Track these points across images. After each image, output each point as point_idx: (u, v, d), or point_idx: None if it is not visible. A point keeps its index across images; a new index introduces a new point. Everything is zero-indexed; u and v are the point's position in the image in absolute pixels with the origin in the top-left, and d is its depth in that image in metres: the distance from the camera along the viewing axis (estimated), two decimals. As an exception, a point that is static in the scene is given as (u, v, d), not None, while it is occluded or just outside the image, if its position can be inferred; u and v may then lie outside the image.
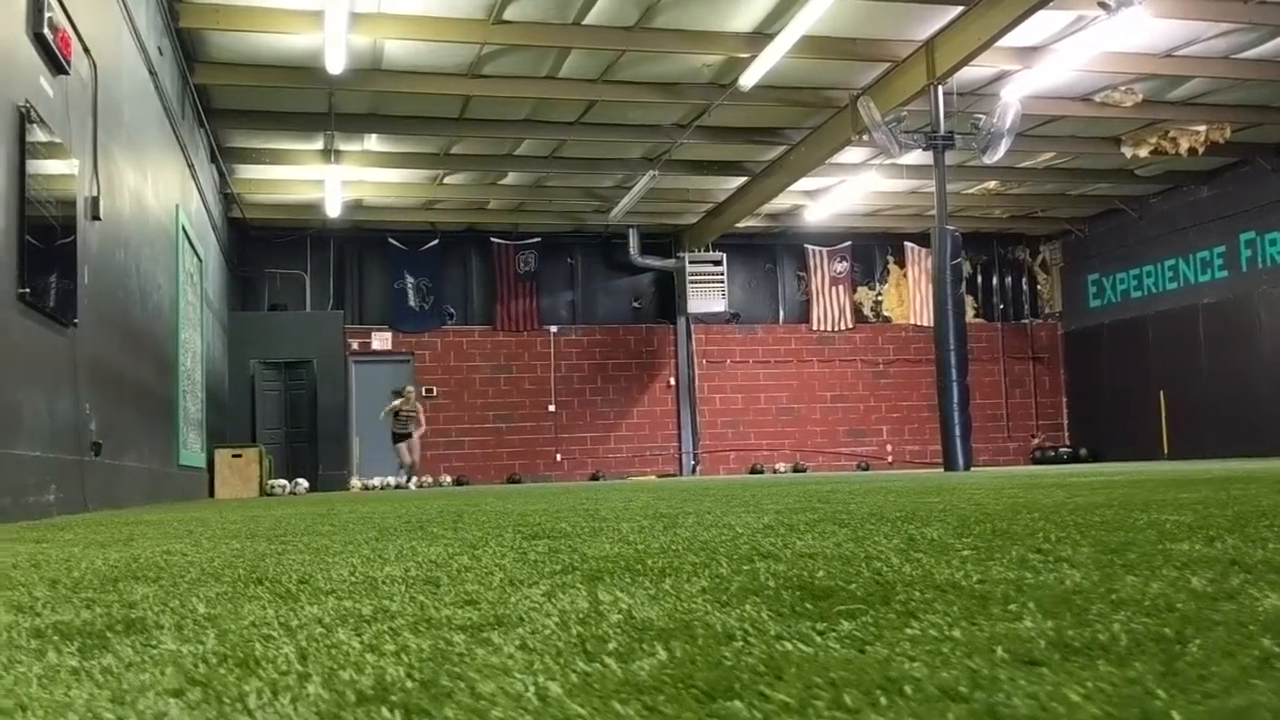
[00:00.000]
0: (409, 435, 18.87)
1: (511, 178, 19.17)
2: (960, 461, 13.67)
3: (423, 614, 1.39)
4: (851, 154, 17.63)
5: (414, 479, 18.85)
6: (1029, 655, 0.95)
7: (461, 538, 3.10)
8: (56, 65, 6.76)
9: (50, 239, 6.63)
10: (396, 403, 18.90)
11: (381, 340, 21.52)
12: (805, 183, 18.76)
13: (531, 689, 0.88)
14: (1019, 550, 1.97)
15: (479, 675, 0.95)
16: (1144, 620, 1.13)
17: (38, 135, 6.28)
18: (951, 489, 6.04)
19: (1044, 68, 14.22)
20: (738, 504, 4.79)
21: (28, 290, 6.04)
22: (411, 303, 21.67)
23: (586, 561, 2.08)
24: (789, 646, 1.04)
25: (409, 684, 0.92)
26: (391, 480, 19.95)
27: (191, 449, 13.04)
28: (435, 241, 21.77)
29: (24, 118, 6.02)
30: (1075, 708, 0.77)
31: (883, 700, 0.80)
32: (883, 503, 4.40)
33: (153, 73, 10.51)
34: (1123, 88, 15.46)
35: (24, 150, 6.01)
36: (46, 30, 6.42)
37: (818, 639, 1.07)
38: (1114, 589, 1.39)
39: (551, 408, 22.12)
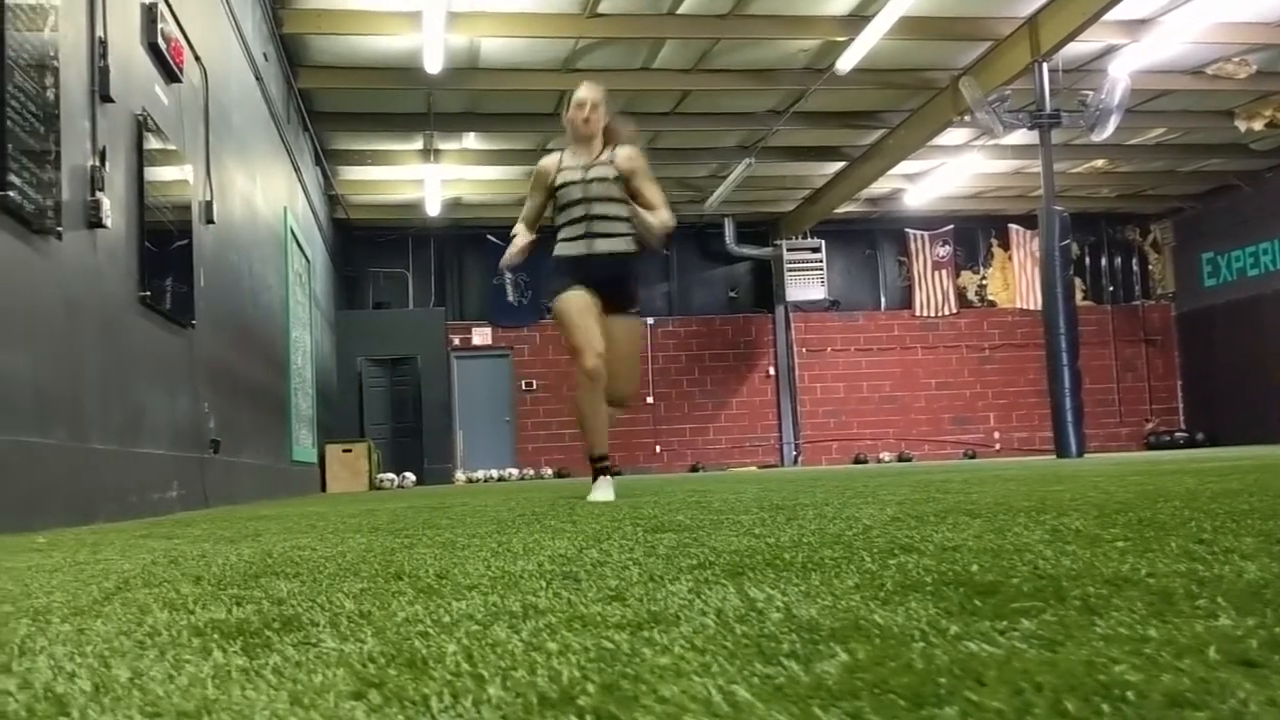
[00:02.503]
0: (628, 249, 5.97)
1: (607, 171, 19.18)
2: (1073, 448, 13.32)
3: (573, 610, 1.36)
4: (953, 135, 17.29)
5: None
6: (1244, 656, 0.89)
7: (582, 531, 3.08)
8: (170, 74, 6.94)
9: (167, 243, 6.81)
10: (557, 160, 6.09)
11: (482, 336, 21.78)
12: (905, 166, 18.45)
13: (717, 693, 0.85)
14: (1177, 541, 1.88)
15: (655, 677, 0.92)
16: (1355, 618, 1.05)
17: (154, 143, 6.45)
18: (1071, 476, 5.86)
19: (1153, 41, 13.77)
20: (852, 495, 4.70)
21: (148, 293, 6.22)
22: (510, 298, 21.79)
23: (720, 556, 2.04)
24: (974, 647, 0.98)
25: (589, 687, 0.89)
26: (495, 473, 20.05)
27: (303, 444, 13.33)
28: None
29: (141, 126, 6.19)
30: (1323, 717, 0.71)
31: (1105, 707, 0.75)
32: (1005, 492, 4.27)
33: (259, 79, 10.74)
34: (1235, 59, 14.90)
35: (141, 157, 6.19)
36: (160, 40, 6.60)
37: (1002, 639, 1.02)
38: (1304, 583, 1.30)
39: (649, 399, 22.13)
